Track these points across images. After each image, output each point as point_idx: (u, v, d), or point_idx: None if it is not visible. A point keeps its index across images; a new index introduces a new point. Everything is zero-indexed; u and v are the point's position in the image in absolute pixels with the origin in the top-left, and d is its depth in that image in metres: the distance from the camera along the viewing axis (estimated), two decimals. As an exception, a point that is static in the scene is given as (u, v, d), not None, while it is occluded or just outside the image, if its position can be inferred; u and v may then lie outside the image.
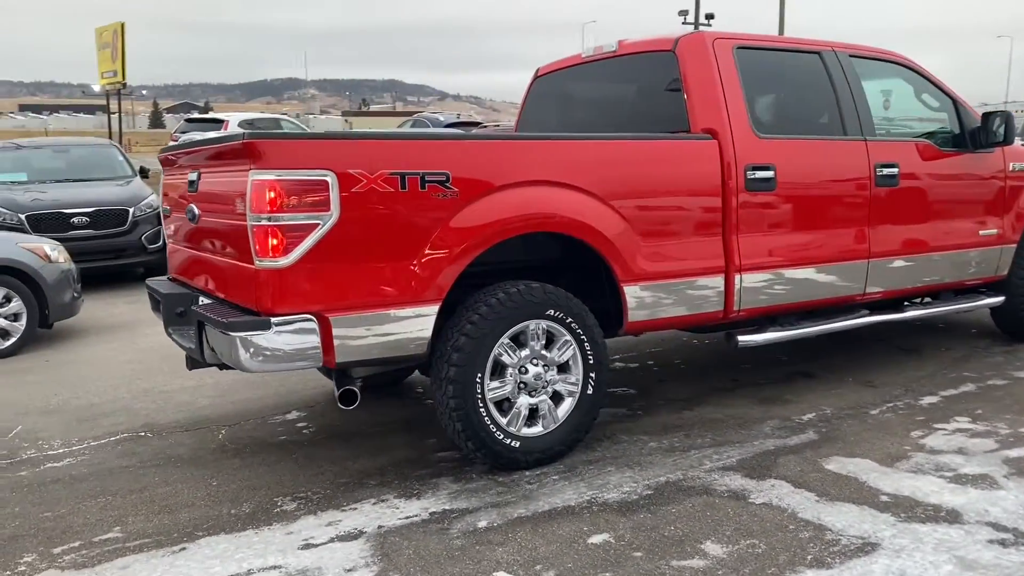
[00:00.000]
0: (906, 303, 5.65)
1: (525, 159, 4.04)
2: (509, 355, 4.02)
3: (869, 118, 5.20)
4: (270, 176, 3.49)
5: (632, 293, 4.34)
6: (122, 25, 29.63)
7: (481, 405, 3.95)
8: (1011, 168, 5.91)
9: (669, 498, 3.75)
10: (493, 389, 4.00)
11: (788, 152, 4.84)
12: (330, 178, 3.55)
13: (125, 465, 4.46)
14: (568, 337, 4.16)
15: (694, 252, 4.53)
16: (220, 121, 20.35)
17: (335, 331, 3.63)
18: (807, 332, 5.04)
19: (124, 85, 30.48)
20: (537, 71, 5.96)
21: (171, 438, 4.88)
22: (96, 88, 37.49)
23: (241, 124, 19.67)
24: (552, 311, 4.09)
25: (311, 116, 33.19)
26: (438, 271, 3.80)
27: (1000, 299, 5.96)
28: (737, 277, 4.65)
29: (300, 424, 5.04)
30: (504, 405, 4.08)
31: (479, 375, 3.92)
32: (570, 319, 4.14)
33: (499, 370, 4.04)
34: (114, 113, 34.15)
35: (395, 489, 3.97)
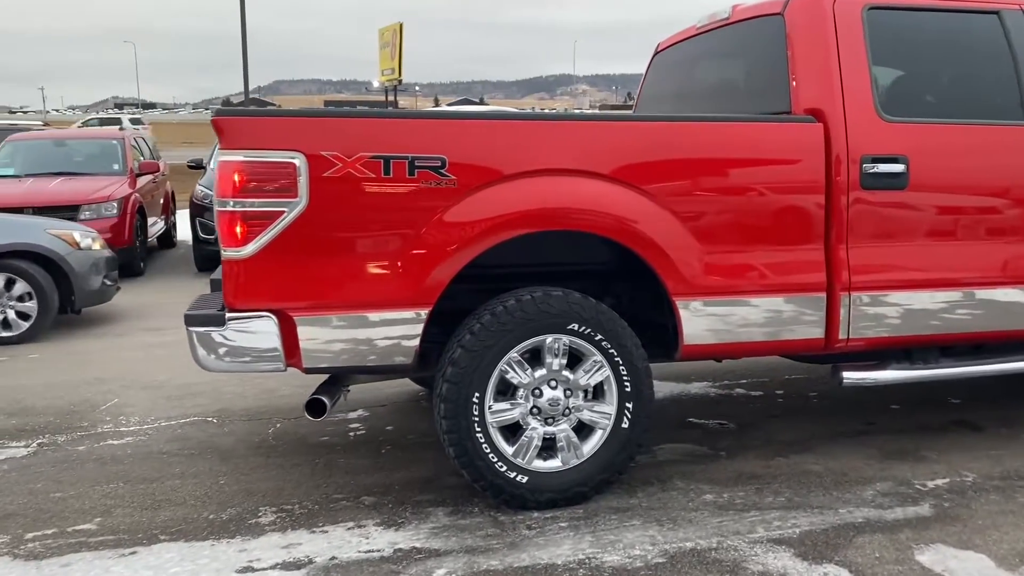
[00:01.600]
0: None
1: (546, 144, 3.39)
2: (518, 374, 3.41)
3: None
4: (236, 157, 3.15)
5: (690, 309, 3.55)
6: (400, 26, 31.36)
7: (478, 430, 3.38)
8: None
9: (680, 571, 2.98)
10: (497, 412, 3.41)
11: (929, 140, 3.76)
12: (298, 160, 3.15)
13: (165, 451, 4.38)
14: (599, 357, 3.47)
15: (782, 263, 3.63)
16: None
17: (300, 332, 3.23)
18: (944, 374, 3.91)
19: (400, 82, 32.29)
20: (657, 45, 5.19)
21: (229, 426, 4.77)
22: (375, 85, 40.20)
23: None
24: (576, 325, 3.42)
25: (577, 111, 32.63)
26: (427, 271, 3.28)
27: None
28: (845, 297, 3.68)
29: (354, 425, 4.72)
30: (517, 432, 3.48)
31: (477, 394, 3.36)
32: (600, 336, 3.44)
33: (508, 391, 3.45)
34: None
35: (383, 514, 3.51)
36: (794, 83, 3.74)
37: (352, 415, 4.89)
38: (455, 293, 3.50)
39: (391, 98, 34.29)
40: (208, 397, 5.33)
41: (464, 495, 3.64)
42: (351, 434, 4.58)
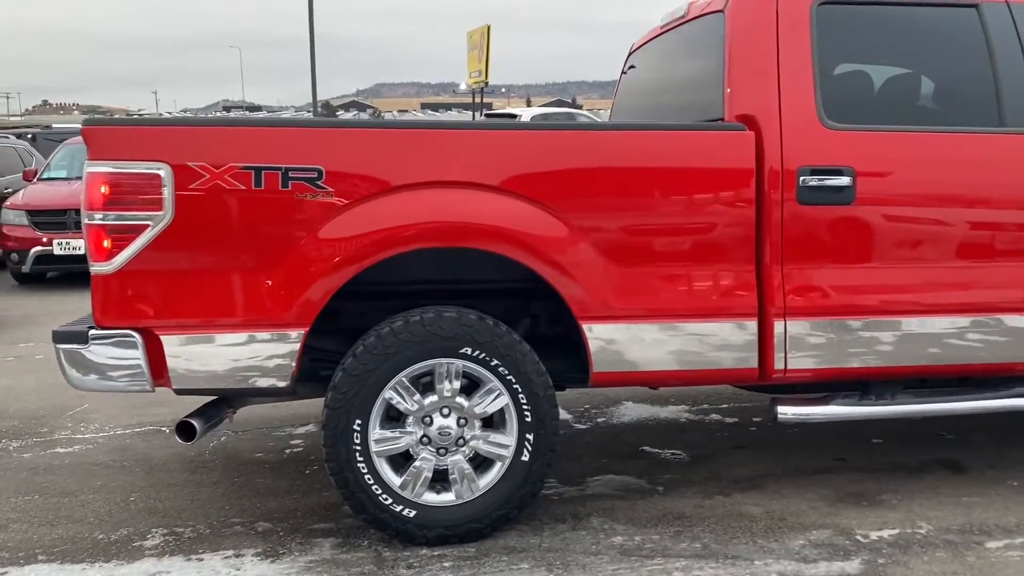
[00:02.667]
0: None
1: (434, 154, 3.15)
2: (406, 400, 3.18)
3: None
4: (103, 168, 3.02)
5: (598, 334, 3.25)
6: (488, 28, 31.35)
7: (360, 459, 3.17)
8: None
9: (544, 627, 2.70)
10: (382, 441, 3.19)
11: (881, 150, 3.36)
12: (164, 172, 3.00)
13: (100, 462, 4.33)
14: (496, 384, 3.21)
15: (705, 285, 3.30)
16: (514, 116, 20.58)
17: (167, 351, 3.08)
18: (898, 411, 3.49)
19: (487, 83, 32.26)
20: (632, 46, 4.86)
21: (175, 438, 4.68)
22: (462, 87, 40.25)
23: (534, 118, 19.72)
24: (469, 349, 3.17)
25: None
26: (303, 289, 3.08)
27: None
28: (779, 323, 3.32)
29: (296, 442, 4.57)
30: (408, 463, 3.26)
31: (359, 421, 3.14)
32: (496, 361, 3.18)
33: (396, 418, 3.23)
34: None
35: (269, 543, 3.33)
36: (728, 87, 3.39)
37: (300, 430, 4.75)
38: (367, 311, 3.34)
39: (479, 100, 34.30)
40: (173, 406, 5.27)
41: (359, 526, 3.43)
42: (287, 451, 4.43)
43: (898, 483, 3.79)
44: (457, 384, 3.20)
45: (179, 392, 3.17)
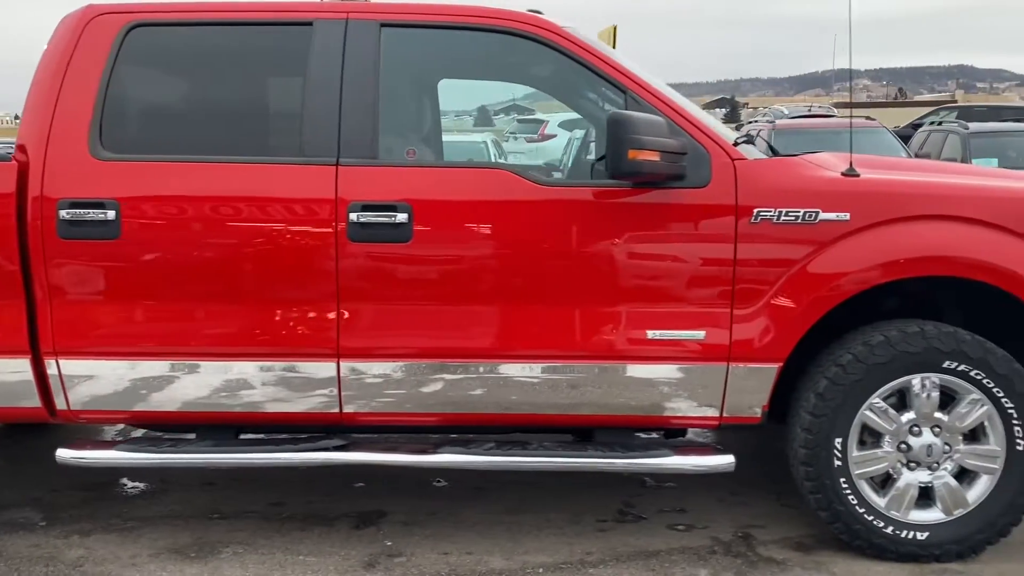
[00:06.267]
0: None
1: None
2: None
3: (367, 130, 3.12)
4: None
5: None
6: (614, 28, 31.10)
7: None
8: (756, 218, 3.08)
9: None
10: None
11: (153, 182, 3.15)
12: None
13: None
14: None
15: None
16: (540, 121, 20.25)
17: None
18: (188, 460, 3.28)
19: None
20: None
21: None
22: None
23: (561, 125, 19.38)
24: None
25: (782, 109, 28.03)
26: None
27: (728, 460, 3.18)
28: (52, 362, 3.18)
29: None
30: None
31: None
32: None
33: None
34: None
35: None
36: (23, 115, 3.28)
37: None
38: None
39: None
40: None
41: None
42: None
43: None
44: None
45: None
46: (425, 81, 3.61)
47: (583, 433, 3.44)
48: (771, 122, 12.61)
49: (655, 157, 2.88)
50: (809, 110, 22.49)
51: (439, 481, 4.05)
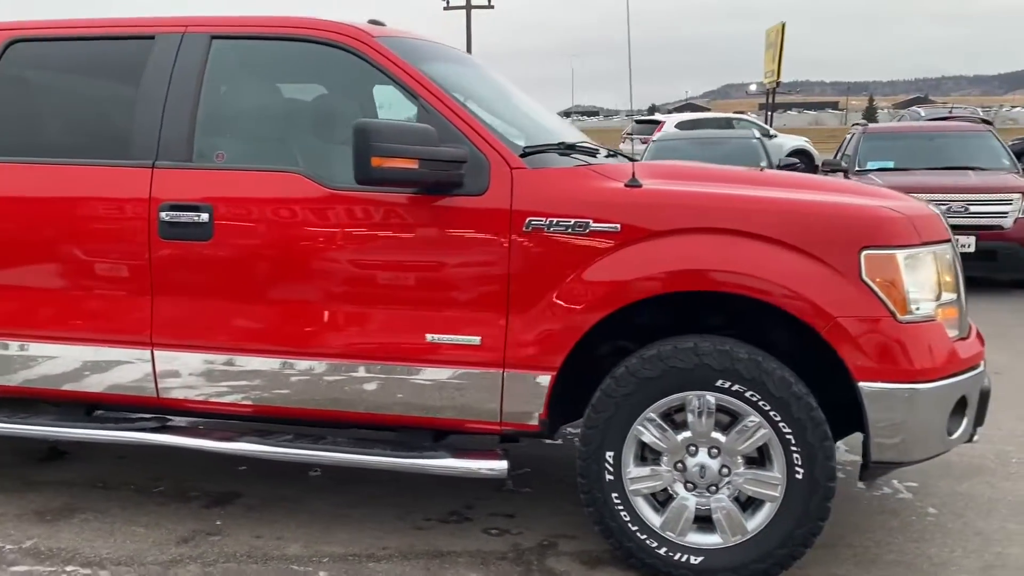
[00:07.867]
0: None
1: None
2: None
3: (183, 134, 3.37)
4: None
5: None
6: (783, 26, 30.21)
7: None
8: (528, 226, 3.05)
9: None
10: None
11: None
12: None
13: None
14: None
15: None
16: (657, 122, 20.00)
17: None
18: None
19: (777, 84, 30.99)
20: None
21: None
22: (752, 88, 38.72)
23: (678, 125, 19.10)
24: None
25: (918, 111, 25.91)
26: None
27: (501, 466, 3.17)
28: None
29: None
30: None
31: None
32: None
33: None
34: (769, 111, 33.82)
35: None
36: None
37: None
38: None
39: (770, 100, 32.77)
40: None
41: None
42: None
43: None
44: None
45: None
46: (254, 88, 3.80)
47: (439, 434, 3.43)
48: (863, 126, 11.90)
49: (411, 165, 2.94)
50: (950, 112, 20.91)
51: (316, 471, 4.24)
